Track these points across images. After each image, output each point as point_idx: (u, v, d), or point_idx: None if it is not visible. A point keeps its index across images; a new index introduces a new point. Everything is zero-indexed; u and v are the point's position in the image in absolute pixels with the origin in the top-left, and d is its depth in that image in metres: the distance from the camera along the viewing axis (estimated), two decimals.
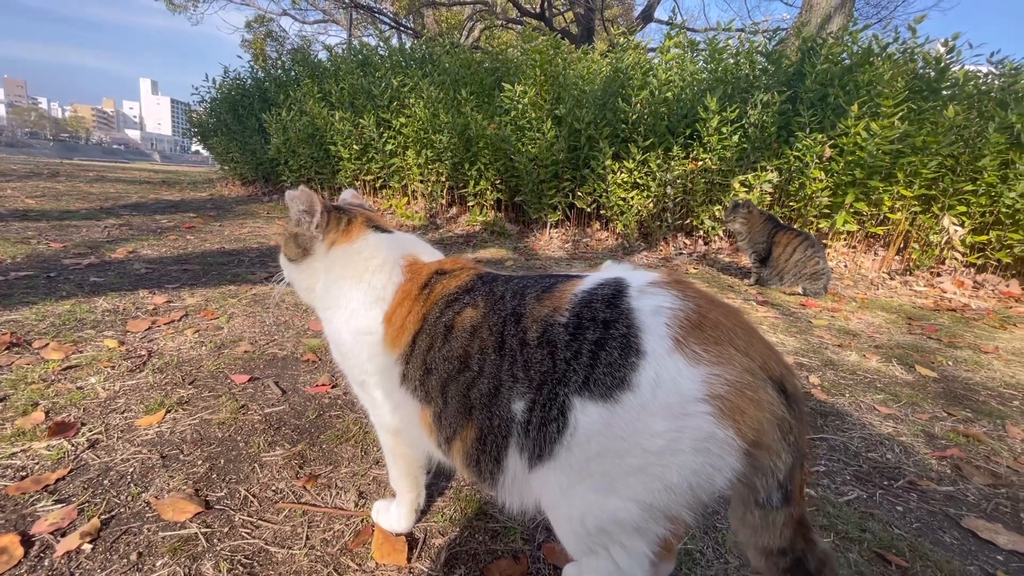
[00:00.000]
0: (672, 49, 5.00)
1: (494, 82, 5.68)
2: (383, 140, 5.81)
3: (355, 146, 6.04)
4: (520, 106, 4.87)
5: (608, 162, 4.65)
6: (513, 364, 0.77)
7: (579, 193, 5.06)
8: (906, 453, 1.62)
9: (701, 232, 4.87)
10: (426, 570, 1.04)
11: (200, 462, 1.33)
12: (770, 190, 4.39)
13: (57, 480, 1.21)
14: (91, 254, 3.34)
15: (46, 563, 0.99)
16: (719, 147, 4.34)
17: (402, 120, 5.63)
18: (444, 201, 5.92)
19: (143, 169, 14.30)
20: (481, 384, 0.81)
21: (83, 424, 1.45)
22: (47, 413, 1.48)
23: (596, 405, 0.68)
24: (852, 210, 4.19)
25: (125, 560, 1.01)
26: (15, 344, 1.89)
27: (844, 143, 4.05)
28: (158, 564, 1.00)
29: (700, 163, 4.48)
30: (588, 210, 5.11)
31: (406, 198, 6.12)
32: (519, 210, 5.52)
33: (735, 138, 4.28)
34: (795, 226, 4.16)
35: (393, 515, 1.12)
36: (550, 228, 5.29)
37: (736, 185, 4.41)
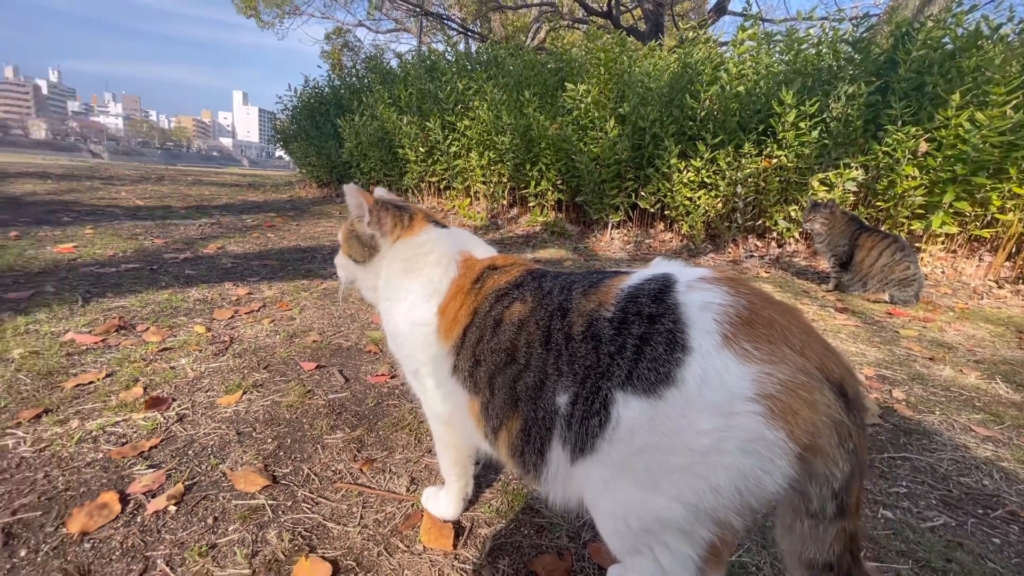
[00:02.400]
0: (746, 41, 4.75)
1: (557, 82, 5.66)
2: (447, 142, 5.97)
3: (421, 148, 6.25)
4: (583, 105, 4.82)
5: (674, 161, 4.50)
6: (558, 358, 0.77)
7: (642, 193, 4.93)
8: (1007, 480, 1.44)
9: (774, 234, 4.59)
10: (471, 557, 1.06)
11: (270, 440, 1.44)
12: (854, 189, 4.04)
13: (150, 448, 1.36)
14: (187, 249, 3.70)
15: (138, 519, 1.11)
16: (796, 143, 4.07)
17: (466, 122, 5.75)
18: (505, 202, 5.99)
19: (233, 173, 15.61)
20: (527, 377, 0.81)
21: (174, 400, 1.61)
22: (145, 389, 1.66)
23: (639, 400, 0.67)
24: (951, 210, 3.76)
25: (203, 523, 1.11)
26: (122, 327, 2.13)
27: (943, 136, 3.66)
28: (230, 529, 1.10)
29: (775, 160, 4.21)
30: (651, 210, 4.97)
31: (468, 199, 6.25)
32: (580, 210, 5.47)
33: (814, 133, 3.99)
34: (883, 228, 3.82)
35: (442, 502, 1.15)
36: (611, 229, 5.19)
37: (815, 184, 4.10)
